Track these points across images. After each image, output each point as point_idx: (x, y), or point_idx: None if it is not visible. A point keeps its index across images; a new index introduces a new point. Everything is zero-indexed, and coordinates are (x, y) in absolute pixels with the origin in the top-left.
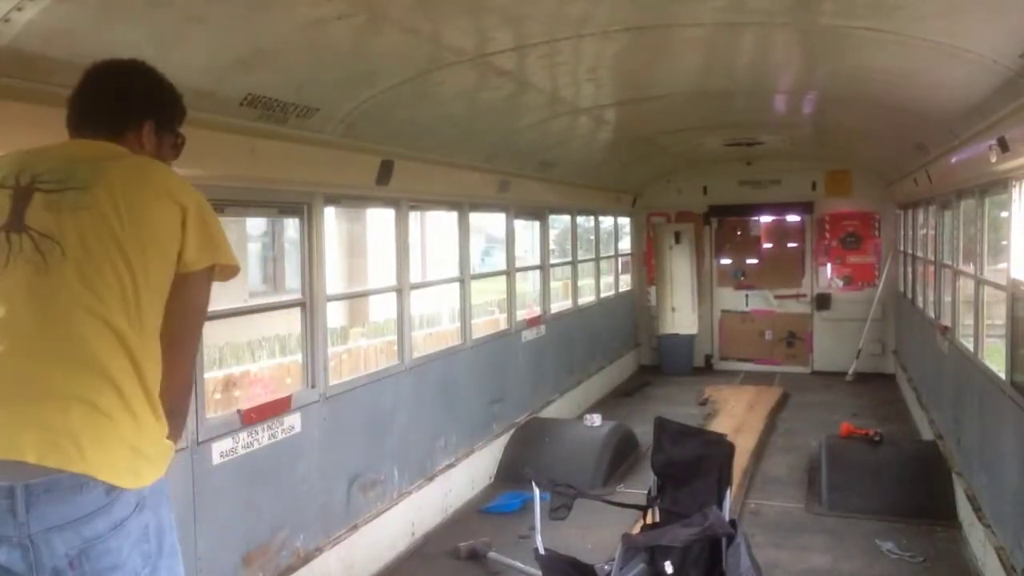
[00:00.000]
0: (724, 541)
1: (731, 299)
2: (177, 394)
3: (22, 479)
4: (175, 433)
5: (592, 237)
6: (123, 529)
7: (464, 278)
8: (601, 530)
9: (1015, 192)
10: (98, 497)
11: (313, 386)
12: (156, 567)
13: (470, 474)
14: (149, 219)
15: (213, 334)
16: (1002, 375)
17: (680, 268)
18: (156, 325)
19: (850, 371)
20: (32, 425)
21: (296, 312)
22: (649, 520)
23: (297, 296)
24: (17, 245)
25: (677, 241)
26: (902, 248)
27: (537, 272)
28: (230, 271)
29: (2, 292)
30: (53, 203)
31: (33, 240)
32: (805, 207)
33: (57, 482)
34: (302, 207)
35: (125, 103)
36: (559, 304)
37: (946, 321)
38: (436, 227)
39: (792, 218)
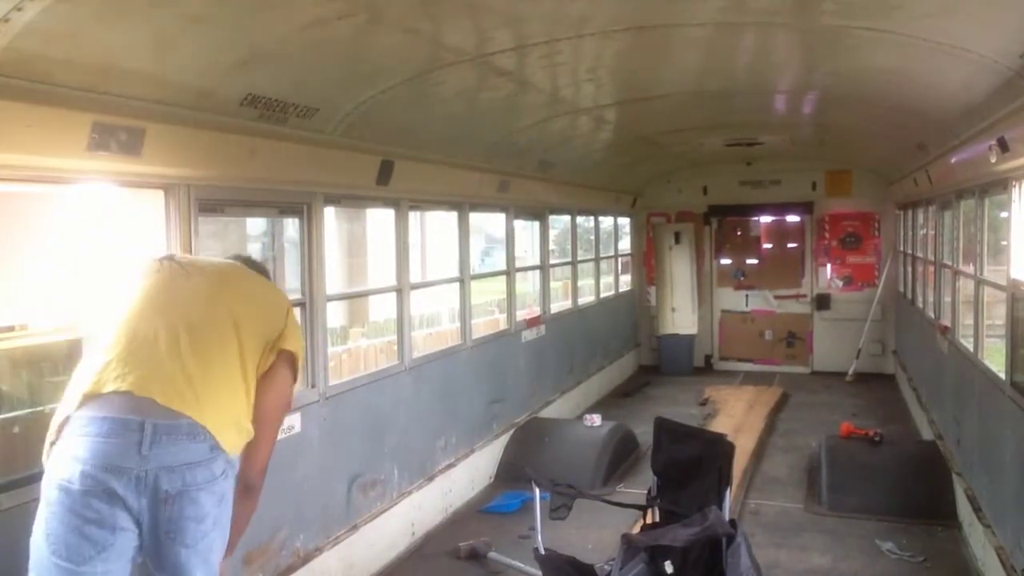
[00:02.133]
0: (724, 541)
1: (731, 299)
2: (259, 469)
3: (152, 418)
4: (253, 501)
5: (592, 237)
6: (213, 486)
7: (464, 278)
8: (601, 530)
9: (1015, 192)
10: (204, 449)
11: (313, 386)
12: (220, 531)
13: (470, 474)
14: (271, 297)
15: None
16: (1002, 375)
17: (680, 268)
18: (257, 355)
19: (850, 371)
20: (162, 379)
21: (296, 312)
22: (649, 520)
23: (297, 296)
24: (167, 266)
25: (677, 241)
26: (902, 248)
27: (537, 272)
28: (297, 371)
29: (152, 285)
30: (199, 262)
31: (181, 265)
32: (805, 207)
33: (178, 427)
34: (302, 207)
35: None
36: (559, 304)
37: (946, 321)
38: (436, 227)
39: (792, 218)
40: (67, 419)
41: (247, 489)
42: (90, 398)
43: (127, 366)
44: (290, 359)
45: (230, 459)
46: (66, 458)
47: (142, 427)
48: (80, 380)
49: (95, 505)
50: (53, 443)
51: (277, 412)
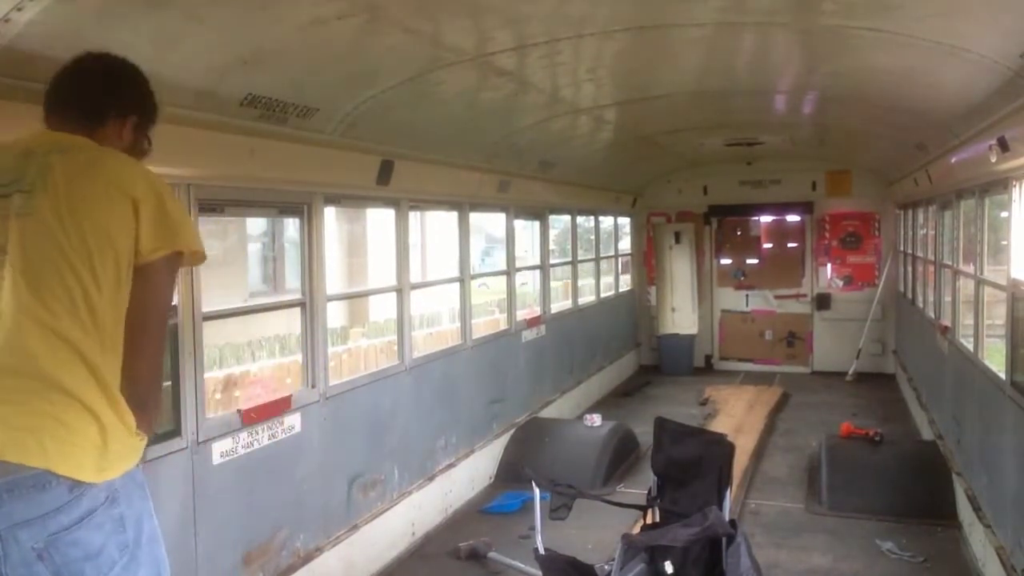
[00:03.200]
0: (724, 541)
1: (731, 299)
2: (142, 385)
3: None
4: (146, 427)
5: (592, 237)
6: (92, 521)
7: (464, 278)
8: (601, 530)
9: (1015, 192)
10: (60, 495)
11: (313, 386)
12: (135, 555)
13: (470, 474)
14: (95, 218)
15: (213, 334)
16: (1002, 375)
17: (680, 268)
18: (115, 324)
19: (850, 371)
20: None
21: (296, 312)
22: (649, 520)
23: (297, 296)
24: None
25: (677, 241)
26: (902, 248)
27: (537, 272)
28: (196, 257)
29: None
30: (1, 209)
31: None
32: (805, 207)
33: (18, 482)
34: (302, 207)
35: (116, 92)
36: (559, 304)
37: (946, 321)
38: (436, 227)
39: (792, 218)
40: None
41: (138, 406)
42: None
43: None
44: (161, 263)
45: (109, 483)
46: None
47: None
48: None
49: None
50: None
51: (148, 325)
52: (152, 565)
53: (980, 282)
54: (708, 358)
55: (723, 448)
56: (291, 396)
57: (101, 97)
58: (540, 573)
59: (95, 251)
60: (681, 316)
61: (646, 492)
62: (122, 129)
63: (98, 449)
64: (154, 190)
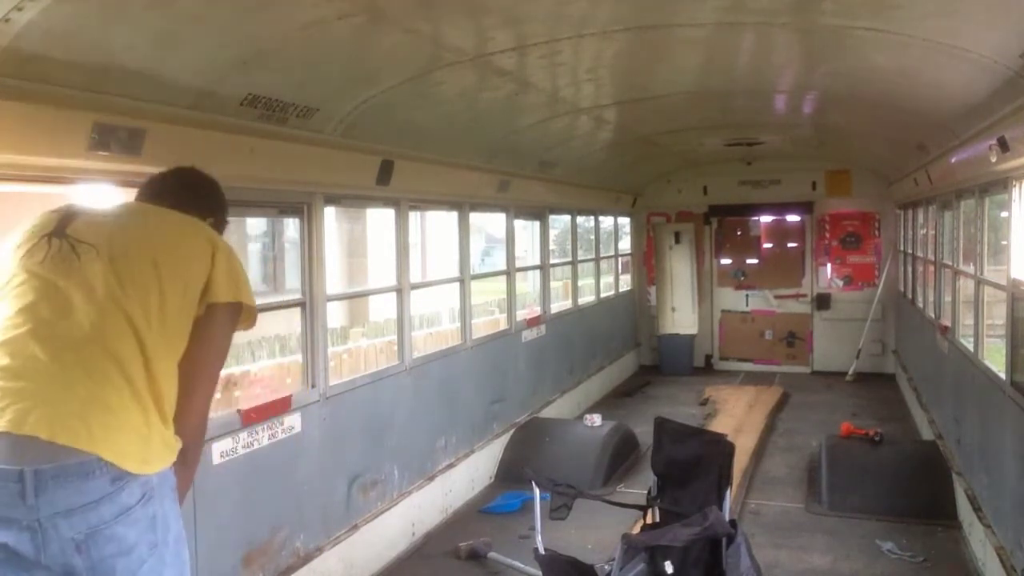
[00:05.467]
0: (724, 541)
1: (731, 299)
2: (191, 427)
3: (32, 463)
4: (189, 468)
5: (592, 237)
6: (129, 517)
7: (464, 278)
8: (601, 530)
9: (1015, 192)
10: (104, 485)
11: (313, 386)
12: (162, 556)
13: (470, 474)
14: (185, 246)
15: None
16: (1002, 375)
17: (680, 268)
18: (176, 337)
19: (850, 371)
20: (45, 405)
21: (296, 312)
22: (649, 520)
23: (297, 296)
24: (56, 247)
25: (677, 241)
26: (902, 248)
27: (537, 272)
28: (250, 315)
29: (33, 283)
30: (97, 220)
31: (71, 244)
32: (805, 207)
33: (64, 468)
34: (302, 207)
35: (200, 196)
36: (559, 304)
37: (946, 321)
38: (436, 227)
39: (792, 218)
40: None
41: (181, 454)
42: None
43: (5, 398)
44: (219, 313)
45: (147, 480)
46: None
47: (21, 476)
48: None
49: None
50: None
51: (206, 366)
52: (177, 566)
53: (980, 282)
54: (708, 358)
55: (723, 448)
56: (291, 396)
57: (187, 197)
58: (540, 573)
59: (180, 272)
60: (681, 316)
61: (646, 492)
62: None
63: (143, 439)
64: (227, 249)
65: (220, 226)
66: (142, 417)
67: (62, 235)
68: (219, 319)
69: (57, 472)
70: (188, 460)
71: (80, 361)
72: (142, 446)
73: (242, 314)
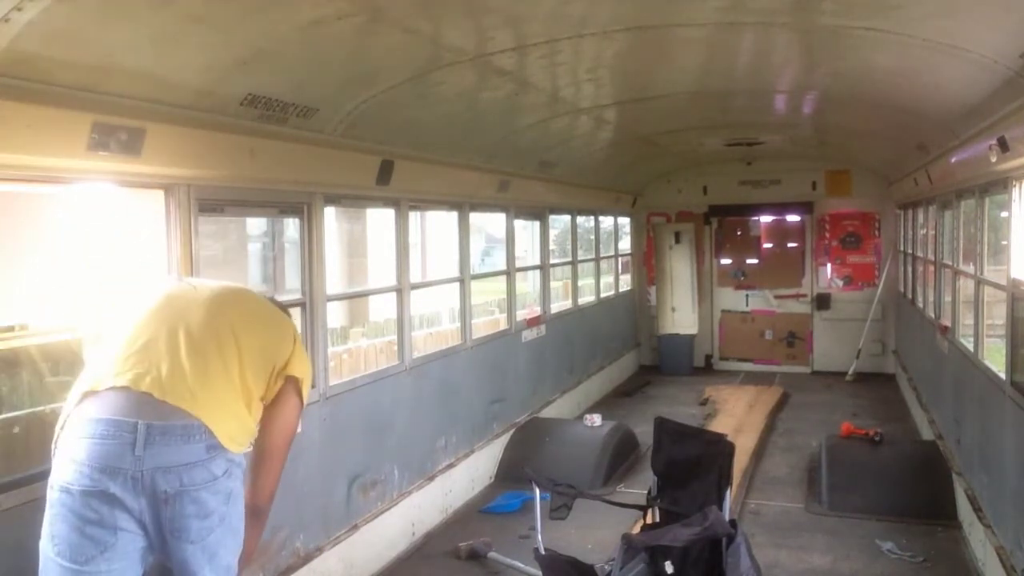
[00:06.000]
0: (724, 541)
1: (731, 299)
2: (266, 495)
3: (146, 418)
4: (260, 526)
5: (592, 237)
6: (214, 485)
7: (464, 278)
8: (601, 530)
9: (1015, 192)
10: (200, 451)
11: (313, 386)
12: (228, 527)
13: (470, 474)
14: (278, 323)
15: None
16: (1002, 375)
17: (680, 268)
18: (261, 372)
19: (850, 371)
20: (160, 375)
21: (296, 312)
22: (649, 520)
23: (297, 296)
24: (174, 280)
25: (677, 241)
26: (902, 248)
27: (537, 272)
28: (305, 394)
29: (159, 291)
30: (208, 283)
31: (189, 283)
32: (805, 207)
33: (172, 428)
34: (302, 207)
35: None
36: (559, 304)
37: (946, 321)
38: (436, 227)
39: (792, 218)
40: (68, 417)
41: (254, 514)
42: (89, 395)
43: (126, 363)
44: (297, 385)
45: (232, 457)
46: (66, 460)
47: (135, 428)
48: (81, 379)
49: (94, 506)
50: (57, 442)
51: (284, 439)
52: (237, 541)
53: (980, 282)
54: (708, 358)
55: (723, 448)
56: None
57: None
58: (540, 573)
59: (271, 333)
60: (681, 316)
61: (646, 492)
62: None
63: (237, 419)
64: (300, 338)
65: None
66: (237, 403)
67: (180, 279)
68: (293, 392)
69: (165, 430)
70: (261, 520)
71: (193, 347)
72: (236, 425)
73: (303, 392)
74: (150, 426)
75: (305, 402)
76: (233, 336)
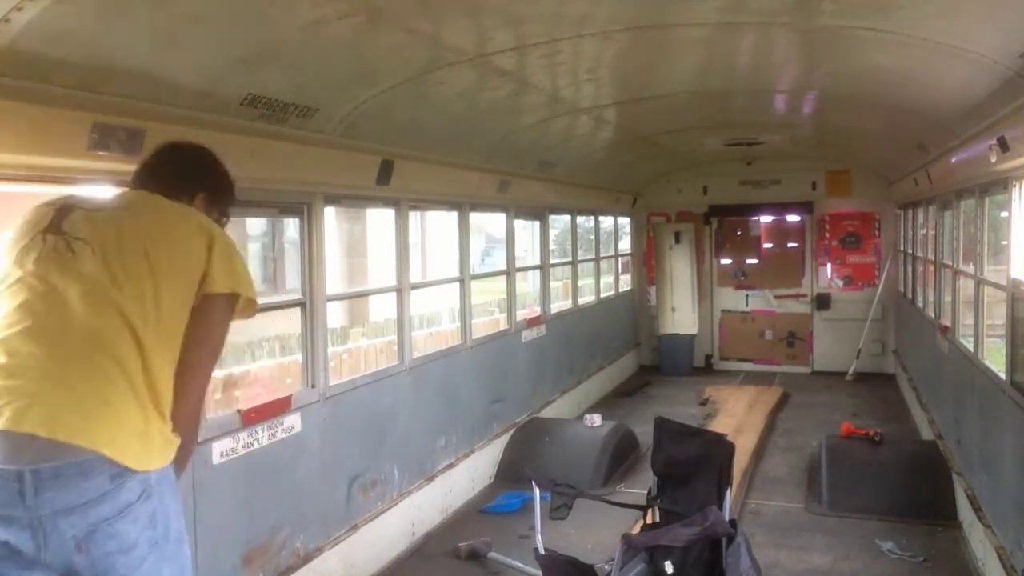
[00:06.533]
0: (724, 541)
1: (731, 299)
2: (186, 420)
3: (31, 463)
4: (182, 461)
5: (592, 237)
6: (129, 514)
7: (464, 278)
8: (601, 530)
9: (1015, 192)
10: (103, 483)
11: (313, 386)
12: (163, 553)
13: (470, 474)
14: (179, 237)
15: None
16: (1002, 375)
17: (680, 268)
18: (172, 332)
19: (850, 371)
20: (43, 402)
21: (296, 312)
22: (649, 520)
23: (297, 296)
24: (51, 244)
25: (677, 241)
26: (902, 248)
27: (537, 272)
28: (249, 307)
29: (28, 281)
30: (91, 216)
31: (66, 240)
32: (805, 207)
33: (63, 468)
34: (302, 207)
35: (183, 173)
36: (559, 304)
37: (946, 321)
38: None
39: (792, 218)
40: None
41: (179, 427)
42: None
43: (2, 396)
44: (215, 302)
45: (146, 477)
46: None
47: (20, 476)
48: None
49: None
50: None
51: (200, 356)
52: (177, 563)
53: (980, 282)
54: (708, 358)
55: (723, 448)
56: (291, 396)
57: (171, 175)
58: (540, 573)
59: (174, 264)
60: (681, 316)
61: (646, 492)
62: (192, 204)
63: (142, 436)
64: (225, 239)
65: (216, 199)
66: (141, 414)
67: (57, 231)
68: (216, 306)
69: (56, 472)
70: (182, 454)
71: (77, 358)
72: (142, 443)
73: (240, 303)
74: (36, 472)
75: (242, 312)
76: (128, 326)
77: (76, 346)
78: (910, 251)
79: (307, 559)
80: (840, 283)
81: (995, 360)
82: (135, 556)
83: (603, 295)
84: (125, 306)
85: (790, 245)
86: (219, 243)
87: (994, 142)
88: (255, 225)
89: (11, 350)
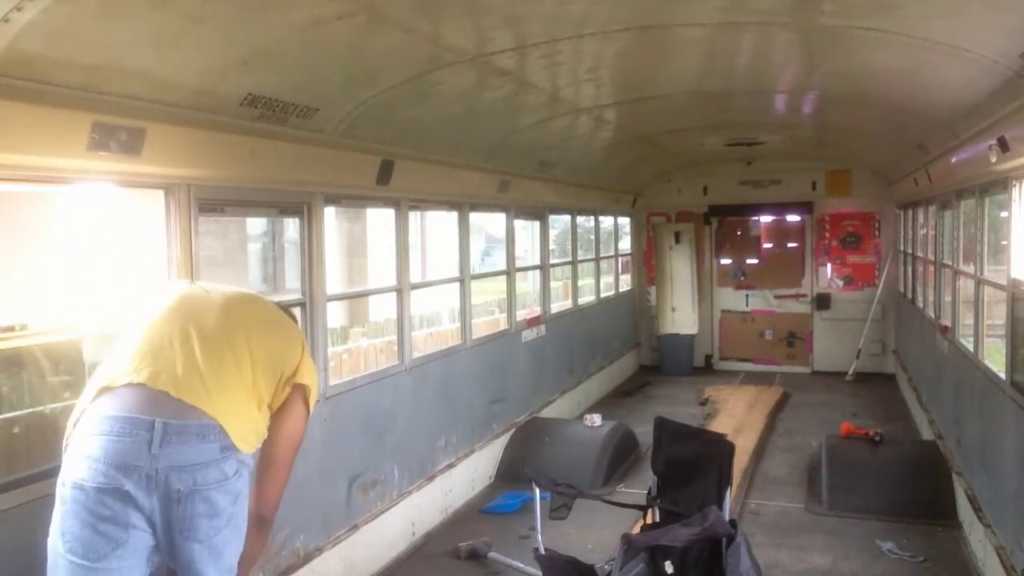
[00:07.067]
0: (724, 541)
1: (731, 299)
2: (271, 503)
3: (162, 416)
4: (263, 535)
5: (592, 237)
6: (225, 486)
7: (464, 278)
8: (601, 530)
9: (1015, 192)
10: (215, 451)
11: (318, 400)
12: (236, 528)
13: (470, 474)
14: (287, 329)
15: None
16: (1002, 375)
17: (680, 268)
18: (270, 375)
19: (850, 371)
20: (176, 374)
21: (296, 312)
22: (649, 520)
23: (297, 296)
24: (187, 285)
25: (677, 241)
26: (902, 248)
27: (537, 272)
28: (310, 405)
29: (171, 296)
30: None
31: (202, 287)
32: (805, 207)
33: (188, 427)
34: (302, 207)
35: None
36: (559, 304)
37: (946, 321)
38: (436, 227)
39: (792, 218)
40: (83, 413)
41: (259, 522)
42: (105, 391)
43: (142, 361)
44: (304, 393)
45: (243, 458)
46: (79, 457)
47: (152, 426)
48: (97, 375)
49: (108, 503)
50: (69, 438)
51: (291, 447)
52: (239, 542)
53: (980, 282)
54: (708, 358)
55: (723, 448)
56: None
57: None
58: (540, 573)
59: (279, 342)
60: (681, 316)
61: (646, 492)
62: None
63: (250, 420)
64: (307, 347)
65: None
66: (250, 403)
67: (191, 282)
68: (301, 400)
69: (182, 428)
70: (265, 528)
71: (207, 348)
72: (249, 426)
73: (310, 401)
74: (167, 424)
75: (312, 412)
76: (246, 339)
77: (208, 338)
78: (910, 251)
79: (307, 559)
80: (840, 283)
81: (995, 360)
82: (216, 524)
83: (603, 295)
84: (247, 326)
85: (790, 245)
86: (307, 351)
87: (994, 142)
88: (255, 225)
89: (151, 331)
